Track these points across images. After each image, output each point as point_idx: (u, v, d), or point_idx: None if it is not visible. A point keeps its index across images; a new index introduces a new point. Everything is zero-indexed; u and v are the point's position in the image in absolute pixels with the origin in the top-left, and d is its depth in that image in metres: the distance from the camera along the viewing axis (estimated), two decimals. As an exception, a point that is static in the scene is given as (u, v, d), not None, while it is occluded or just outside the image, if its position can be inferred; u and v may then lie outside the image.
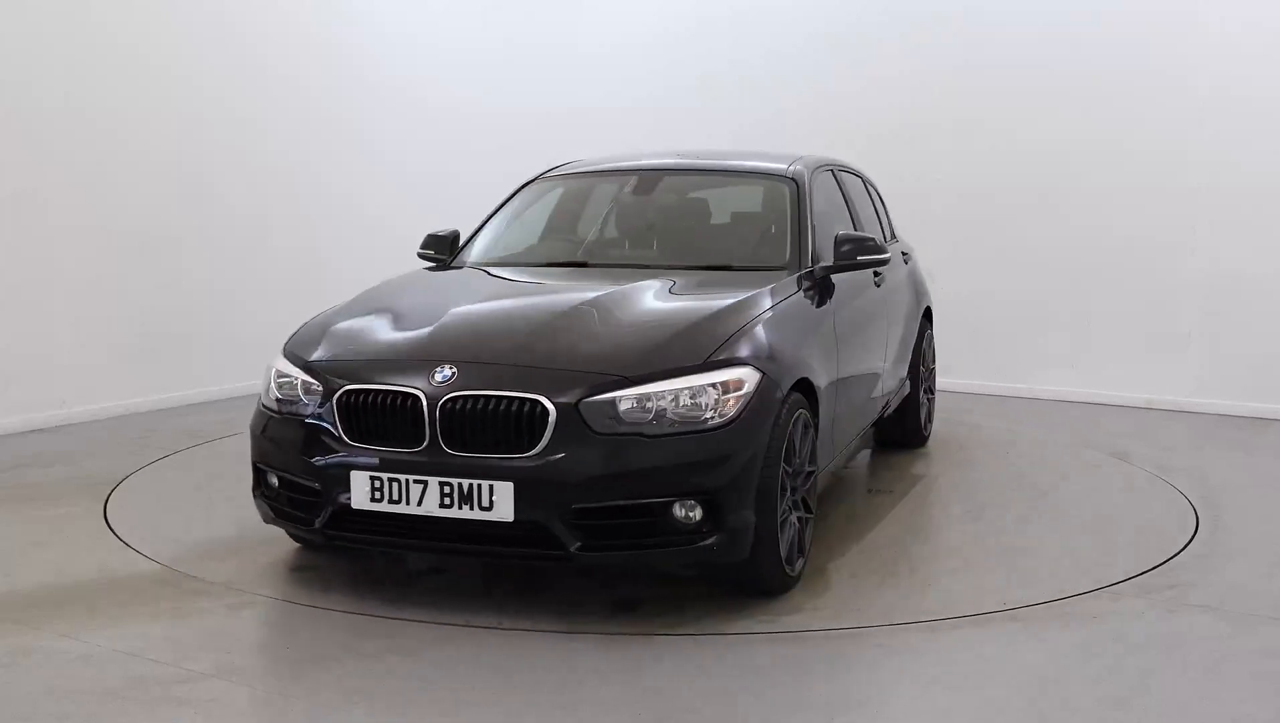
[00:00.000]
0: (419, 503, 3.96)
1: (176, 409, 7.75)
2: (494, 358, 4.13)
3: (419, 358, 4.19)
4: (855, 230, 5.86)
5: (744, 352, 4.17)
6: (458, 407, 3.96)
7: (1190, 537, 5.18)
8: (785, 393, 4.21)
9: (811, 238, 5.20)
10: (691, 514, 3.96)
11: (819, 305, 4.95)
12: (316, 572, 4.64)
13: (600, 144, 7.77)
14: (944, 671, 3.78)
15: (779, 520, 4.17)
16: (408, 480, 3.97)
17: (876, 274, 5.88)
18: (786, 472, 4.23)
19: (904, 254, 6.78)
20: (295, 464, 4.22)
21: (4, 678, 3.64)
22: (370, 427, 4.08)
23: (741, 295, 4.57)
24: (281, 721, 3.39)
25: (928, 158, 8.79)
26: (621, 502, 3.92)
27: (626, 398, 3.95)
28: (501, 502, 3.89)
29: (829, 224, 5.48)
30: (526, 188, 6.03)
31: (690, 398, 3.98)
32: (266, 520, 4.49)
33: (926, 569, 4.81)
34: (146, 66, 7.78)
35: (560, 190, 5.96)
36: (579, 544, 3.92)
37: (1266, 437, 7.33)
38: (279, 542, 4.97)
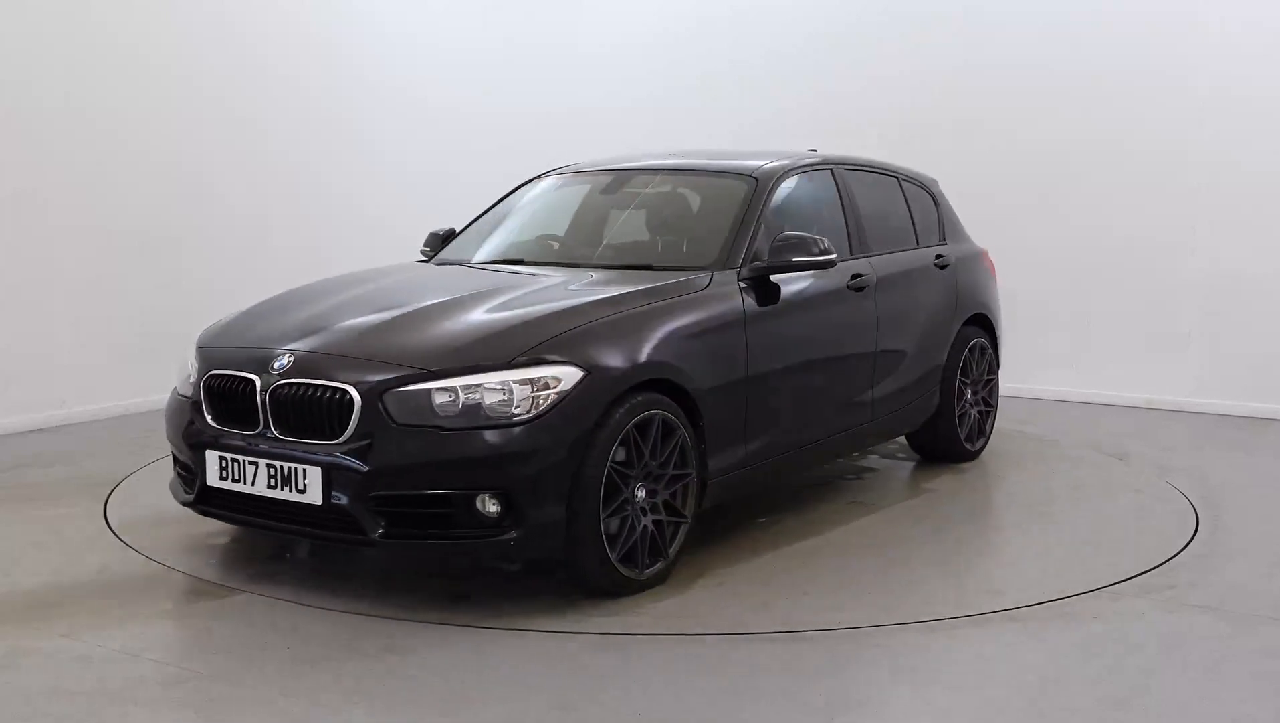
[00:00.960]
0: (253, 483, 4.25)
1: (176, 409, 7.75)
2: (324, 349, 4.35)
3: (270, 346, 4.45)
4: (849, 231, 5.71)
5: (566, 350, 4.21)
6: (284, 394, 4.22)
7: (1190, 537, 5.18)
8: (621, 393, 4.22)
9: (752, 238, 5.08)
10: (492, 508, 4.04)
11: (738, 307, 4.84)
12: (317, 572, 4.64)
13: (600, 144, 7.77)
14: (944, 670, 3.78)
15: (602, 520, 4.15)
16: (244, 461, 4.28)
17: (856, 278, 5.54)
18: (622, 473, 4.22)
19: (938, 260, 6.31)
20: (179, 442, 4.63)
21: (4, 678, 3.64)
22: (224, 410, 4.41)
23: (612, 293, 4.64)
24: (281, 721, 3.39)
25: (928, 158, 8.75)
26: (419, 491, 4.04)
27: (429, 391, 4.06)
28: (312, 486, 4.11)
29: (803, 225, 5.40)
30: (520, 189, 6.16)
31: (498, 394, 4.06)
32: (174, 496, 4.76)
33: (832, 582, 4.60)
34: (146, 66, 7.78)
35: (542, 192, 6.07)
36: (381, 531, 4.07)
37: (1266, 437, 7.33)
38: (279, 542, 4.97)
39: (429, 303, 4.68)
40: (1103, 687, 3.64)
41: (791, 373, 5.12)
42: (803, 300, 5.21)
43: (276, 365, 4.29)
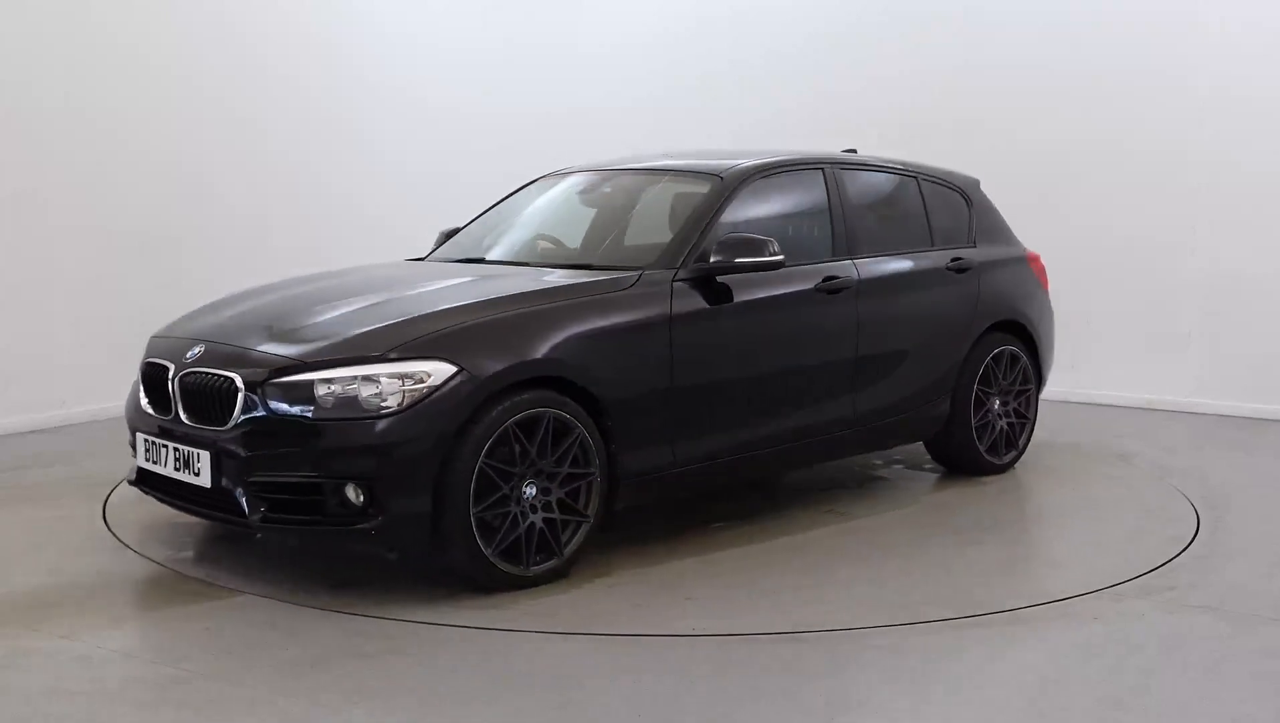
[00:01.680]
0: (166, 466, 4.57)
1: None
2: (228, 340, 4.61)
3: (193, 336, 4.75)
4: (834, 232, 5.57)
5: (440, 347, 4.29)
6: (189, 382, 4.51)
7: (1191, 537, 5.18)
8: (499, 391, 4.29)
9: (700, 238, 5.02)
10: (357, 498, 4.18)
11: (664, 307, 4.79)
12: (317, 572, 4.64)
13: (600, 144, 7.77)
14: (944, 671, 3.77)
15: (473, 515, 4.22)
16: (159, 444, 4.60)
17: (829, 280, 5.40)
18: (502, 469, 4.28)
19: (955, 263, 6.04)
20: (128, 425, 4.92)
21: (3, 678, 3.64)
22: (151, 396, 4.73)
23: (514, 292, 4.71)
24: (281, 721, 3.38)
25: (928, 158, 8.77)
26: (292, 478, 4.22)
27: (303, 382, 4.23)
28: (204, 470, 4.38)
29: (772, 227, 5.40)
30: (520, 190, 6.20)
31: (369, 386, 4.19)
32: None
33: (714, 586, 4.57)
34: (146, 66, 7.78)
35: (529, 192, 6.14)
36: (259, 515, 4.28)
37: (1267, 437, 7.32)
38: (278, 542, 4.97)
39: (340, 299, 4.83)
40: (1103, 687, 3.64)
41: (737, 375, 5.06)
42: (759, 302, 5.11)
43: (189, 355, 4.58)
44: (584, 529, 4.53)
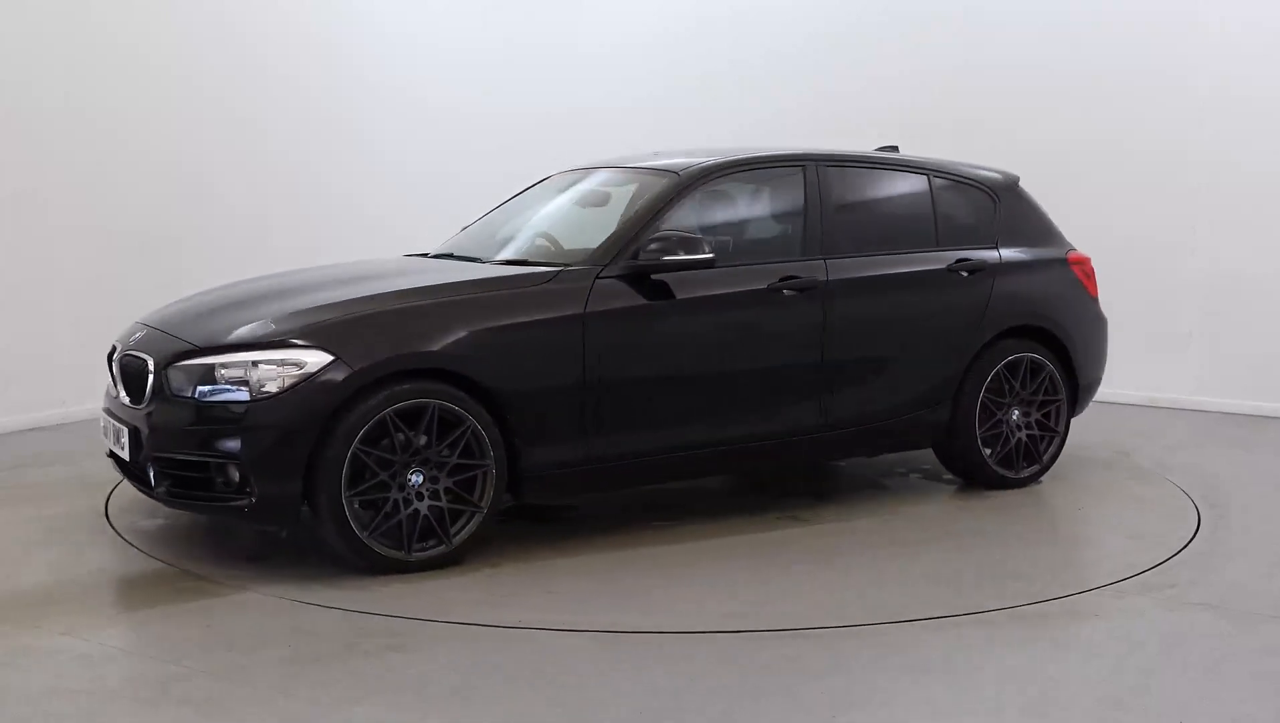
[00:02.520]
0: (110, 440, 4.93)
1: (176, 409, 7.75)
2: (164, 326, 4.91)
3: (144, 322, 5.07)
4: (806, 231, 5.46)
5: (319, 335, 4.49)
6: (125, 363, 4.84)
7: (1191, 535, 5.18)
8: (376, 381, 4.45)
9: (636, 236, 5.03)
10: (235, 477, 4.42)
11: (578, 303, 4.83)
12: (317, 570, 4.63)
13: (601, 144, 7.76)
14: (944, 669, 3.77)
15: (345, 499, 4.39)
16: (106, 421, 4.97)
17: (787, 280, 5.28)
18: (380, 456, 4.43)
19: (961, 264, 5.80)
20: None
21: (4, 677, 3.64)
22: (110, 376, 5.08)
23: (415, 285, 4.86)
24: (282, 720, 3.38)
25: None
26: (182, 456, 4.51)
27: (195, 366, 4.53)
28: (127, 445, 4.71)
29: (731, 224, 5.51)
30: (532, 187, 6.24)
31: (251, 371, 4.42)
32: None
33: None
34: (146, 66, 7.78)
35: (522, 192, 6.20)
36: (164, 489, 4.59)
37: (1267, 435, 7.33)
38: (279, 540, 4.97)
39: (275, 293, 5.02)
40: (1103, 685, 3.64)
41: (668, 374, 5.04)
42: (699, 301, 5.08)
43: (133, 338, 4.92)
44: (476, 519, 4.64)
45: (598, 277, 4.92)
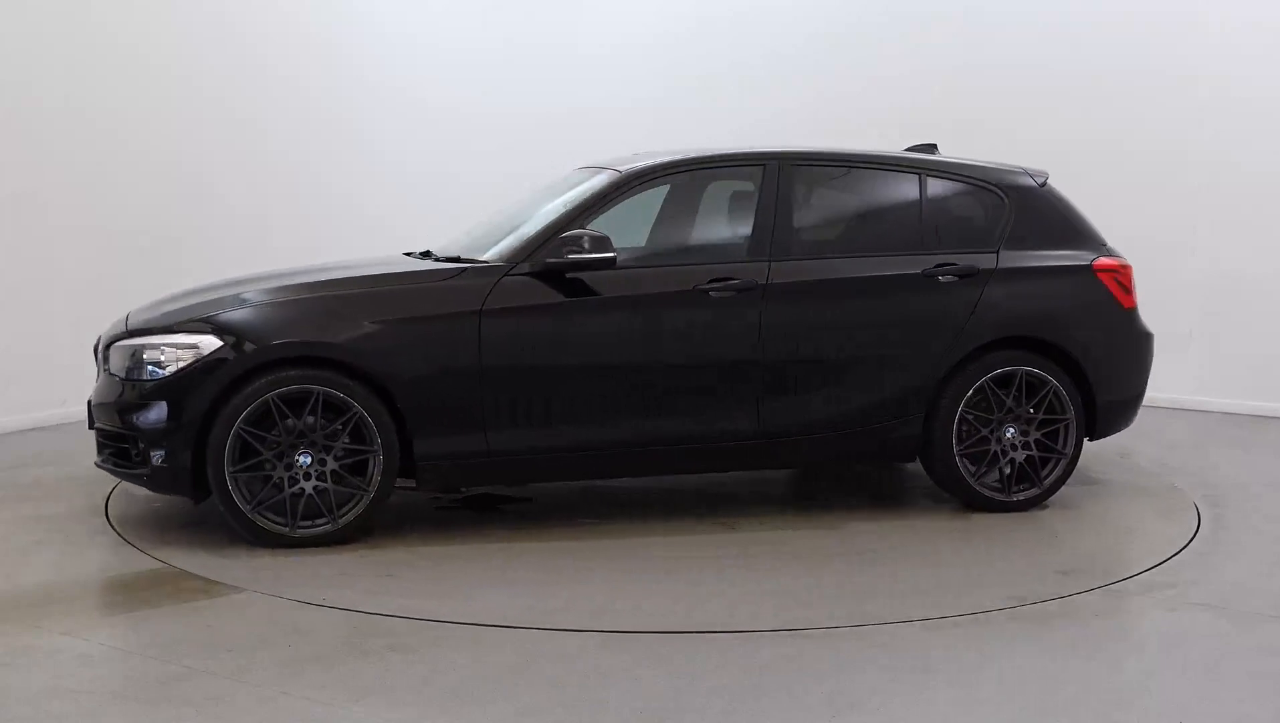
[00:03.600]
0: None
1: (176, 409, 7.74)
2: (132, 312, 5.38)
3: (131, 311, 5.45)
4: (755, 233, 5.33)
5: (218, 323, 4.91)
6: (106, 346, 5.18)
7: (1191, 535, 5.18)
8: (263, 365, 4.79)
9: (556, 234, 5.09)
10: (140, 448, 4.88)
11: (475, 300, 4.97)
12: (317, 570, 4.64)
13: (601, 144, 7.76)
14: (944, 669, 3.77)
15: (229, 475, 4.74)
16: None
17: (716, 281, 5.19)
18: (260, 436, 4.76)
19: (943, 269, 5.46)
20: None
21: (4, 678, 3.64)
22: None
23: (326, 278, 5.17)
24: (282, 719, 3.38)
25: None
26: (107, 428, 5.01)
27: (122, 347, 5.02)
28: (88, 419, 5.18)
29: (671, 225, 5.55)
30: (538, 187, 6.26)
31: (156, 353, 4.88)
32: None
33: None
34: (146, 66, 7.78)
35: (542, 188, 6.17)
36: (102, 458, 5.08)
37: (1267, 435, 7.33)
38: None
39: (240, 284, 5.30)
40: (1103, 685, 3.64)
41: (575, 371, 5.08)
42: (613, 301, 5.10)
43: (121, 326, 5.23)
44: (363, 501, 4.88)
45: (506, 274, 5.04)
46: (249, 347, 4.80)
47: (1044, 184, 5.84)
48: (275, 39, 8.63)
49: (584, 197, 5.30)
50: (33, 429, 7.10)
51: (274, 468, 4.80)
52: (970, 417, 5.42)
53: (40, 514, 5.38)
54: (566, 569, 4.71)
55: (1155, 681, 3.71)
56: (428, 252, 5.64)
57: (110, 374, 5.03)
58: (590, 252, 4.99)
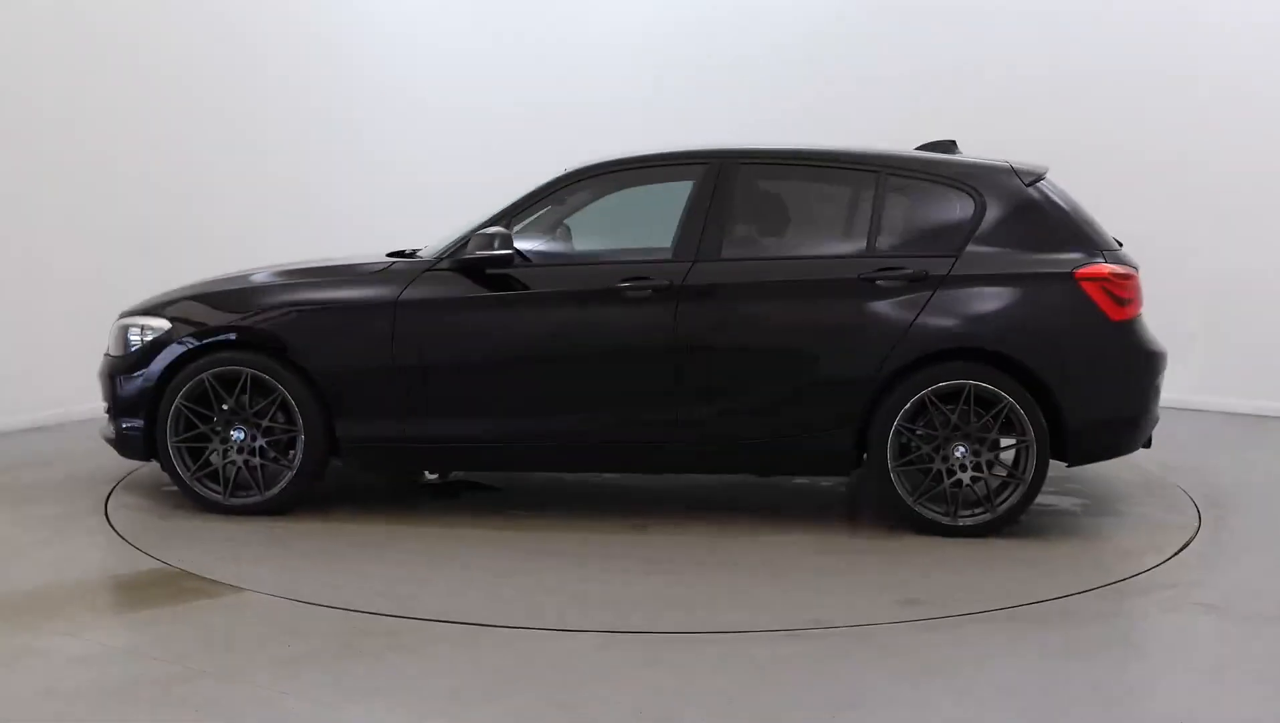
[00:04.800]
0: None
1: (176, 409, 7.74)
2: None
3: None
4: (683, 233, 5.24)
5: (169, 307, 5.47)
6: None
7: (1193, 535, 5.17)
8: (201, 347, 5.28)
9: (469, 233, 5.26)
10: (113, 416, 5.52)
11: (391, 294, 5.21)
12: (317, 570, 4.64)
13: (601, 144, 7.75)
14: (945, 669, 3.77)
15: (172, 444, 5.26)
16: None
17: (635, 280, 5.13)
18: (196, 412, 5.24)
19: (886, 272, 5.10)
20: None
21: (4, 677, 3.64)
22: None
23: (281, 268, 5.59)
24: (282, 719, 3.38)
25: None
26: (104, 399, 5.60)
27: (116, 327, 5.60)
28: None
29: (600, 224, 5.59)
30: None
31: (133, 333, 5.46)
32: None
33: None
34: (143, 66, 7.78)
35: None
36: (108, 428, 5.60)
37: (1269, 435, 7.33)
38: (280, 540, 4.97)
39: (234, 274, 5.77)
40: (1103, 687, 3.63)
41: (488, 364, 5.21)
42: (529, 297, 5.21)
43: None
44: (288, 477, 5.25)
45: (428, 269, 5.26)
46: (186, 330, 5.33)
47: (1033, 183, 5.36)
48: (275, 39, 8.63)
49: (516, 197, 5.40)
50: (33, 429, 7.09)
51: (211, 441, 5.28)
52: (908, 432, 5.07)
53: (40, 514, 5.38)
54: (576, 576, 4.70)
55: (1156, 681, 3.70)
56: (416, 251, 5.68)
57: (109, 354, 5.59)
58: (495, 249, 5.11)
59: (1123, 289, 5.13)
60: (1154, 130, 8.07)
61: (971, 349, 5.08)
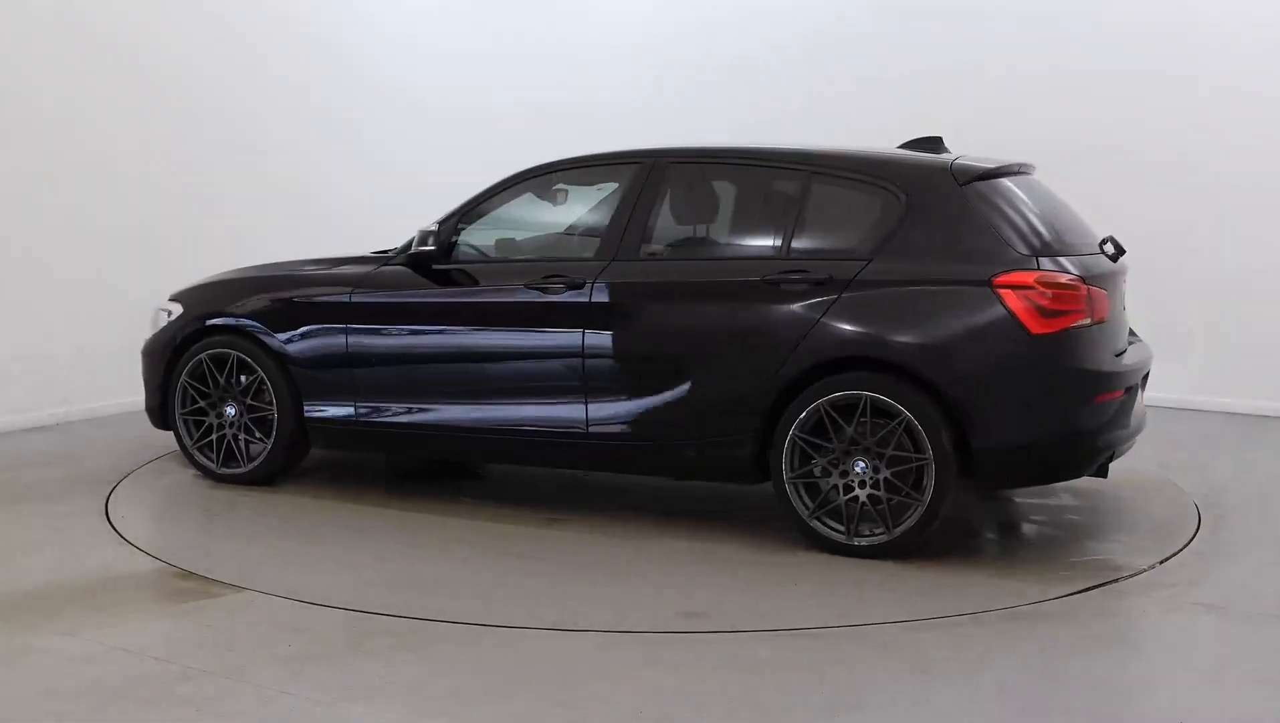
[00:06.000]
0: None
1: (177, 409, 7.74)
2: None
3: None
4: (606, 233, 5.28)
5: (184, 295, 6.08)
6: None
7: (1192, 535, 5.17)
8: (196, 330, 5.86)
9: (441, 228, 5.53)
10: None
11: (346, 287, 5.66)
12: (318, 569, 4.64)
13: (602, 144, 7.75)
14: (944, 669, 3.77)
15: (179, 417, 5.88)
16: None
17: (548, 279, 5.22)
18: (198, 390, 5.82)
19: (787, 276, 4.88)
20: None
21: (4, 678, 3.64)
22: None
23: (275, 263, 6.09)
24: (282, 719, 3.38)
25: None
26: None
27: (156, 310, 6.16)
28: None
29: (532, 224, 5.75)
30: None
31: (165, 316, 6.06)
32: None
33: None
34: (142, 65, 7.77)
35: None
36: None
37: (1268, 435, 7.33)
38: (280, 539, 4.97)
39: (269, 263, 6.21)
40: (1103, 686, 3.64)
41: (417, 356, 5.57)
42: (461, 293, 5.51)
43: None
44: (266, 450, 5.74)
45: (384, 264, 5.66)
46: (188, 315, 5.92)
47: (969, 182, 4.91)
48: (275, 39, 8.62)
49: (468, 197, 5.63)
50: (33, 429, 7.09)
51: (210, 416, 5.82)
52: (805, 443, 4.81)
53: (41, 514, 5.38)
54: (575, 571, 4.70)
55: (1155, 681, 3.71)
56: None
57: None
58: (425, 246, 5.46)
59: (1051, 299, 4.62)
60: (1154, 130, 8.07)
61: (873, 359, 4.75)
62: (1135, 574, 4.64)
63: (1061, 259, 4.78)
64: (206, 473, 5.84)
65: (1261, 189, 7.75)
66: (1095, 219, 8.46)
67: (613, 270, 5.16)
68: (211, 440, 5.82)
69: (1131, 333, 5.48)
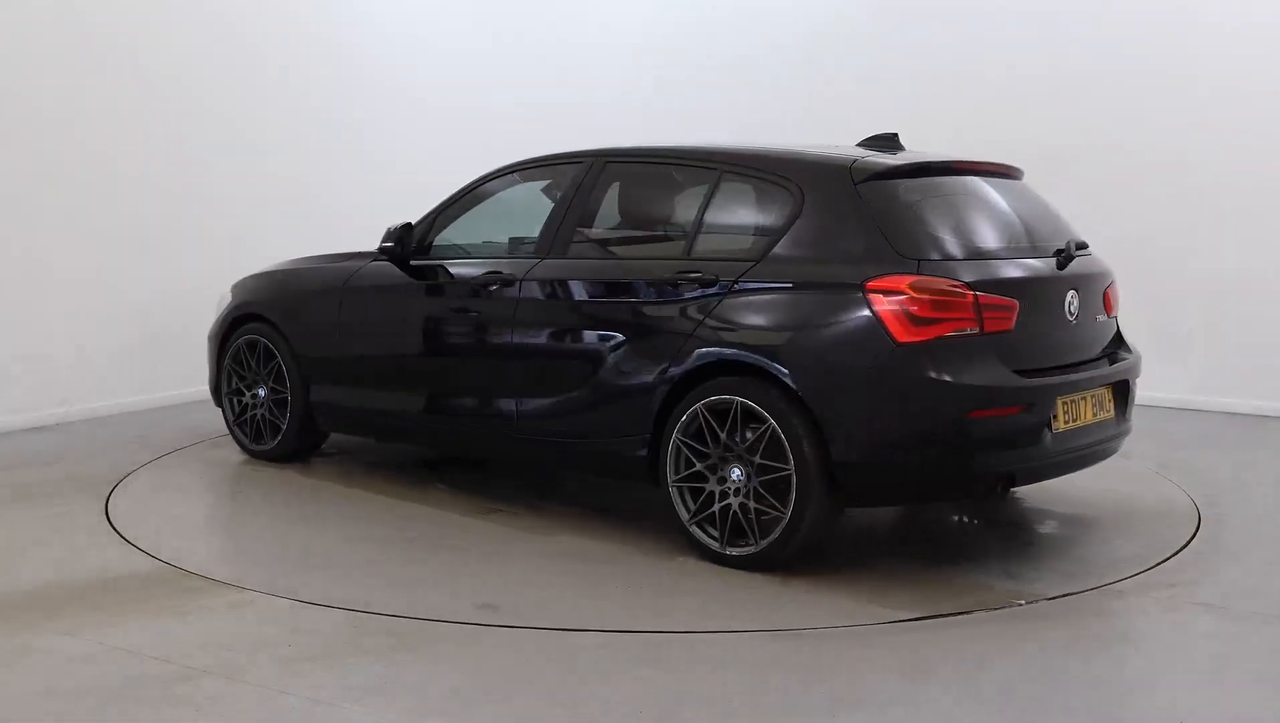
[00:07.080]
0: None
1: (176, 408, 7.74)
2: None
3: None
4: (545, 229, 5.37)
5: (237, 287, 6.58)
6: None
7: (1192, 535, 5.18)
8: (239, 317, 6.39)
9: (422, 225, 5.88)
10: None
11: (341, 277, 6.05)
12: (318, 569, 4.64)
13: (602, 144, 7.75)
14: (944, 669, 3.77)
15: (225, 397, 6.45)
16: None
17: (489, 275, 5.42)
18: (240, 373, 6.36)
19: (683, 276, 4.81)
20: None
21: (4, 677, 3.64)
22: None
23: (292, 260, 6.58)
24: (282, 719, 3.38)
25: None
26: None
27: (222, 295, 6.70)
28: None
29: (490, 222, 5.88)
30: None
31: (219, 303, 6.62)
32: None
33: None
34: (142, 65, 7.77)
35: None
36: None
37: (1268, 435, 7.33)
38: (280, 539, 4.97)
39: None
40: (1103, 686, 3.64)
41: (387, 346, 5.89)
42: (423, 287, 5.77)
43: None
44: (283, 430, 6.20)
45: (372, 260, 5.95)
46: (231, 303, 6.49)
47: (865, 180, 4.65)
48: (275, 39, 8.62)
49: (446, 197, 5.92)
50: (33, 429, 7.09)
51: (244, 396, 6.36)
52: (687, 447, 4.69)
53: (41, 514, 5.38)
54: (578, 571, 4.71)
55: (1155, 681, 3.71)
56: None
57: None
58: (389, 242, 5.79)
59: (926, 306, 4.31)
60: (1154, 130, 8.06)
61: (745, 364, 4.59)
62: (1135, 574, 4.64)
63: (961, 264, 4.47)
64: (242, 447, 6.40)
65: (1261, 189, 7.75)
66: (1095, 219, 8.46)
67: (541, 269, 5.30)
68: (247, 419, 6.33)
69: (1121, 341, 5.48)
